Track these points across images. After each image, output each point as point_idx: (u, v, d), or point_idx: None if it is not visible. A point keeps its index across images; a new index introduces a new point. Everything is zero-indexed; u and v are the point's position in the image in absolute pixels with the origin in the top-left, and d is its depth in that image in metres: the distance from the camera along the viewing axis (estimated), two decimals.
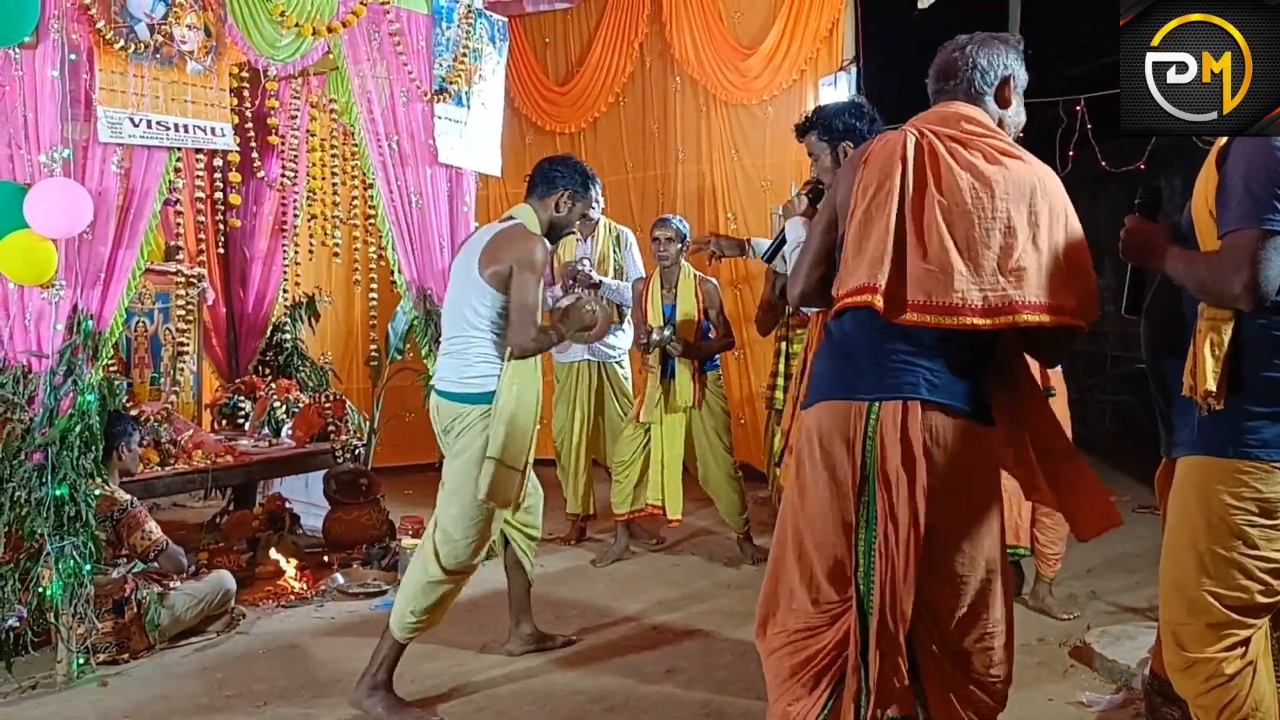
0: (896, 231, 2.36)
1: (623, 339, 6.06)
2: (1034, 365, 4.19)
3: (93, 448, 4.03)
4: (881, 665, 2.36)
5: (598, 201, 5.74)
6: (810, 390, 2.57)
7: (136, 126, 4.19)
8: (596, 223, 5.92)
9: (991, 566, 2.45)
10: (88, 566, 3.98)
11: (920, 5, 6.46)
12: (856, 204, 2.44)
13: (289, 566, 5.22)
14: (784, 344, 5.22)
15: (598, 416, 6.08)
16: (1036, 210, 2.34)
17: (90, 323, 4.04)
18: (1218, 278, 2.23)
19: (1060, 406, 4.61)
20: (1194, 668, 2.40)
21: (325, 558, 5.64)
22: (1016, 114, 2.57)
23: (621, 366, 6.11)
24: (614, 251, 5.95)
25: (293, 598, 5.02)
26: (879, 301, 2.33)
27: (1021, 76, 2.55)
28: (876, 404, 2.40)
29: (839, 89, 6.97)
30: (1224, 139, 2.29)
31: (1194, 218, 2.37)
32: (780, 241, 3.67)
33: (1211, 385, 2.28)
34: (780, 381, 5.21)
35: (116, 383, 5.02)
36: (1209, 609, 2.36)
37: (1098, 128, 7.11)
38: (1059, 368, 4.63)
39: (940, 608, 2.42)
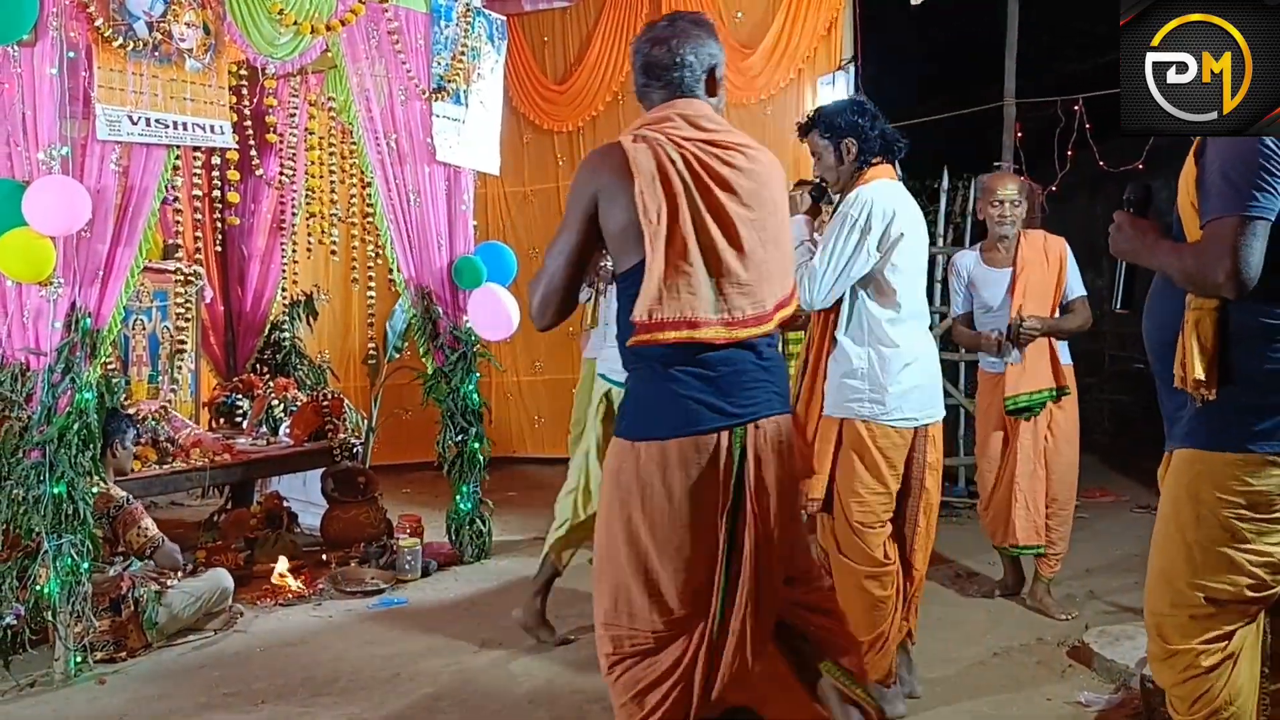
0: (702, 248, 2.33)
1: None
2: (1050, 364, 4.31)
3: (90, 446, 4.02)
4: (733, 661, 2.35)
5: None
6: (641, 423, 2.38)
7: (135, 124, 4.18)
8: None
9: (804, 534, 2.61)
10: (85, 565, 3.97)
11: (913, 2, 6.46)
12: (652, 225, 2.30)
13: (281, 566, 5.20)
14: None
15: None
16: (781, 204, 2.48)
17: (88, 321, 4.04)
18: (1201, 267, 2.21)
19: (1071, 405, 4.64)
20: (1173, 658, 2.39)
21: (323, 556, 5.64)
22: (722, 100, 2.57)
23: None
24: None
25: (290, 596, 5.01)
26: (709, 334, 2.32)
27: (721, 63, 2.54)
28: (741, 429, 2.34)
29: (837, 88, 6.98)
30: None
31: (1180, 213, 2.36)
32: None
33: (1200, 374, 2.26)
34: None
35: (114, 381, 5.02)
36: (1193, 602, 2.34)
37: (1096, 128, 7.12)
38: (1070, 364, 4.68)
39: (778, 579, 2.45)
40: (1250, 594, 2.31)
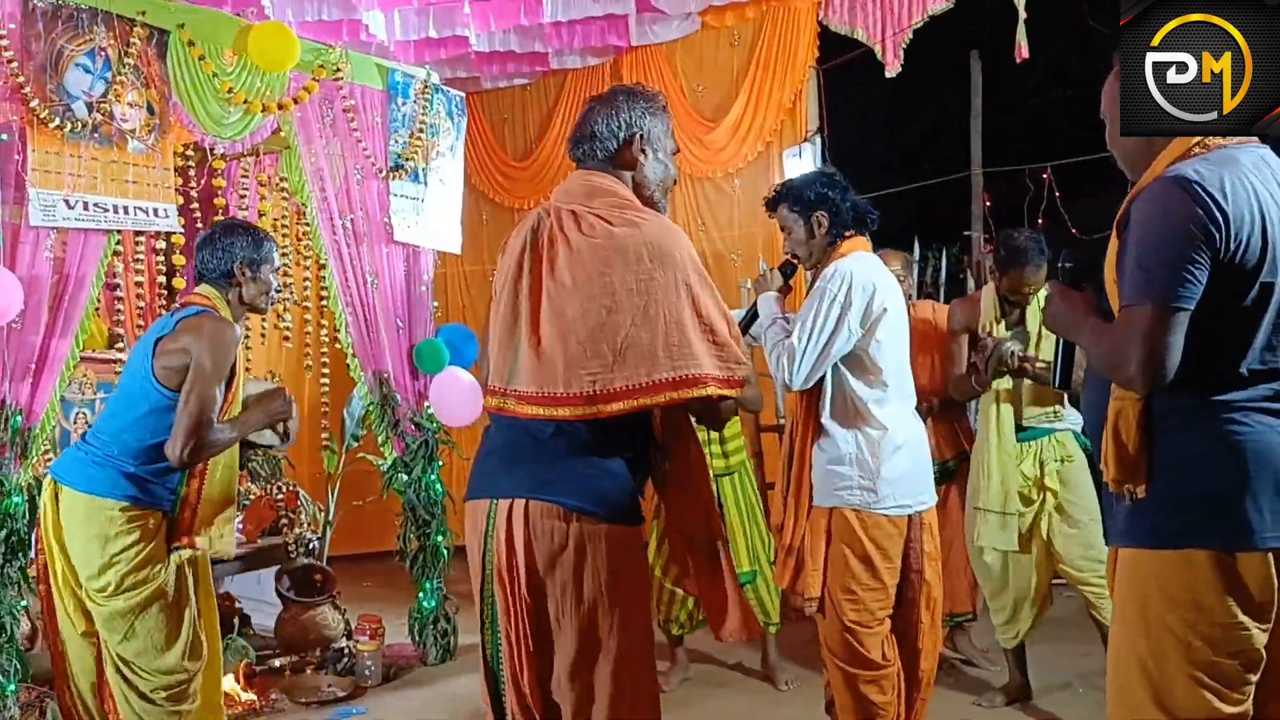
0: (513, 322, 2.34)
1: None
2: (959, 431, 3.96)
3: (19, 555, 3.73)
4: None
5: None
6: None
7: (72, 209, 3.94)
8: None
9: (621, 678, 2.32)
10: (11, 686, 3.65)
11: (888, 73, 6.41)
12: (495, 293, 2.42)
13: (229, 683, 4.85)
14: None
15: None
16: (647, 278, 2.26)
17: (19, 418, 3.76)
18: (1113, 356, 2.05)
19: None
20: None
21: (276, 662, 5.30)
22: (654, 170, 2.50)
23: None
24: None
25: (241, 709, 4.67)
26: (494, 403, 2.35)
27: (656, 129, 2.49)
28: (495, 503, 2.35)
29: (804, 160, 6.89)
30: (1128, 199, 2.13)
31: (1106, 288, 2.17)
32: (752, 316, 3.49)
33: (1119, 474, 2.08)
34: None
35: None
36: None
37: (1066, 195, 7.08)
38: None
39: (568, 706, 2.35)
40: (1224, 708, 2.00)
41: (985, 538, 4.22)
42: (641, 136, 2.47)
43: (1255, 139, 2.13)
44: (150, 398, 3.11)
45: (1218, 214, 1.96)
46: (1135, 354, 1.98)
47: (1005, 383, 4.15)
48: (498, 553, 2.32)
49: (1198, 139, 2.09)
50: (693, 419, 2.48)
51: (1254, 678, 2.02)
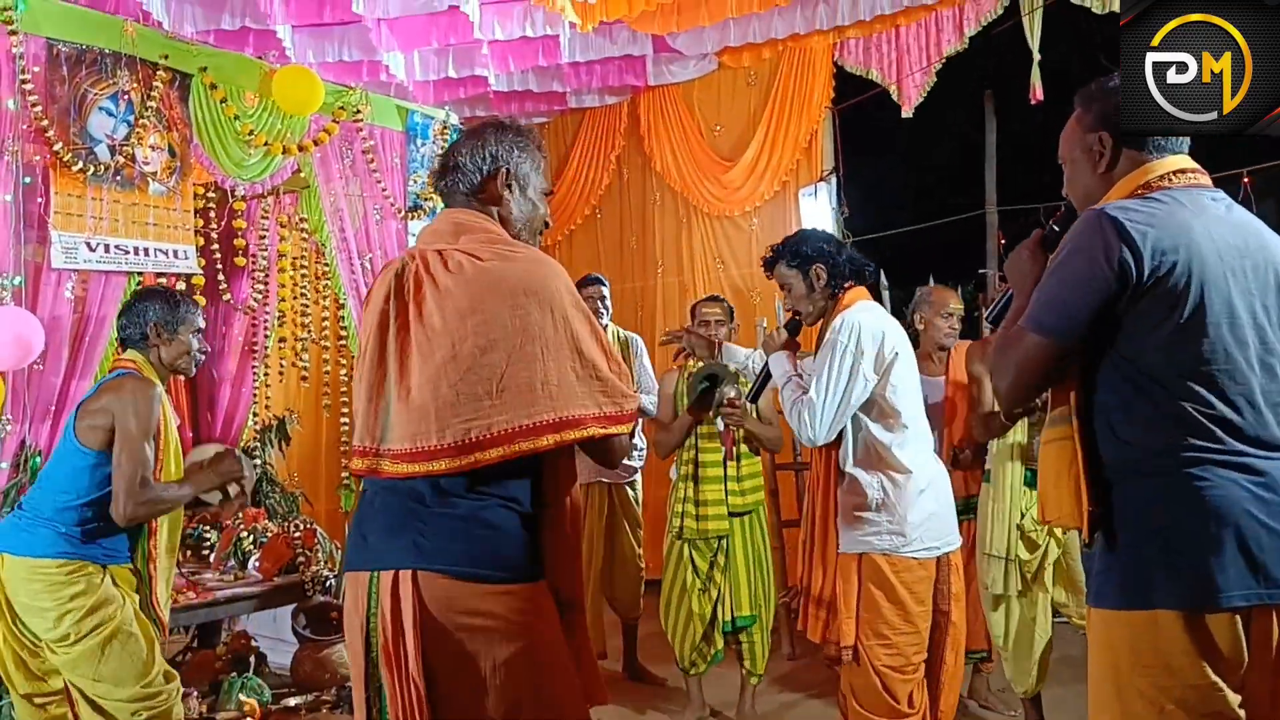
0: (381, 376, 2.11)
1: (636, 457, 5.45)
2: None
3: None
4: None
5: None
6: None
7: (94, 251, 3.99)
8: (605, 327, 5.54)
9: None
10: None
11: (904, 113, 6.44)
12: (360, 349, 2.21)
13: (248, 706, 4.86)
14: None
15: (608, 548, 5.36)
16: (523, 313, 2.07)
17: (38, 460, 3.79)
18: (998, 363, 2.09)
19: None
20: None
21: (292, 701, 5.29)
22: (520, 208, 2.31)
23: (633, 489, 5.46)
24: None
25: None
26: (364, 465, 2.10)
27: (524, 166, 2.31)
28: (376, 575, 2.08)
29: (819, 200, 6.90)
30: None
31: None
32: (766, 377, 3.51)
33: (1058, 516, 2.07)
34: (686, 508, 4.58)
35: None
36: None
37: None
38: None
39: None
40: None
41: (997, 583, 4.21)
42: (507, 171, 2.28)
43: (1208, 183, 2.10)
44: (71, 459, 3.17)
45: (1134, 247, 1.93)
46: (1009, 373, 2.06)
47: (1018, 435, 4.14)
48: (383, 631, 2.05)
49: (1144, 182, 2.07)
50: (576, 463, 2.24)
51: None
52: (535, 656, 2.08)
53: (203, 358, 3.54)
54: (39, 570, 3.12)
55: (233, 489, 3.47)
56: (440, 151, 5.41)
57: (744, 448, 4.48)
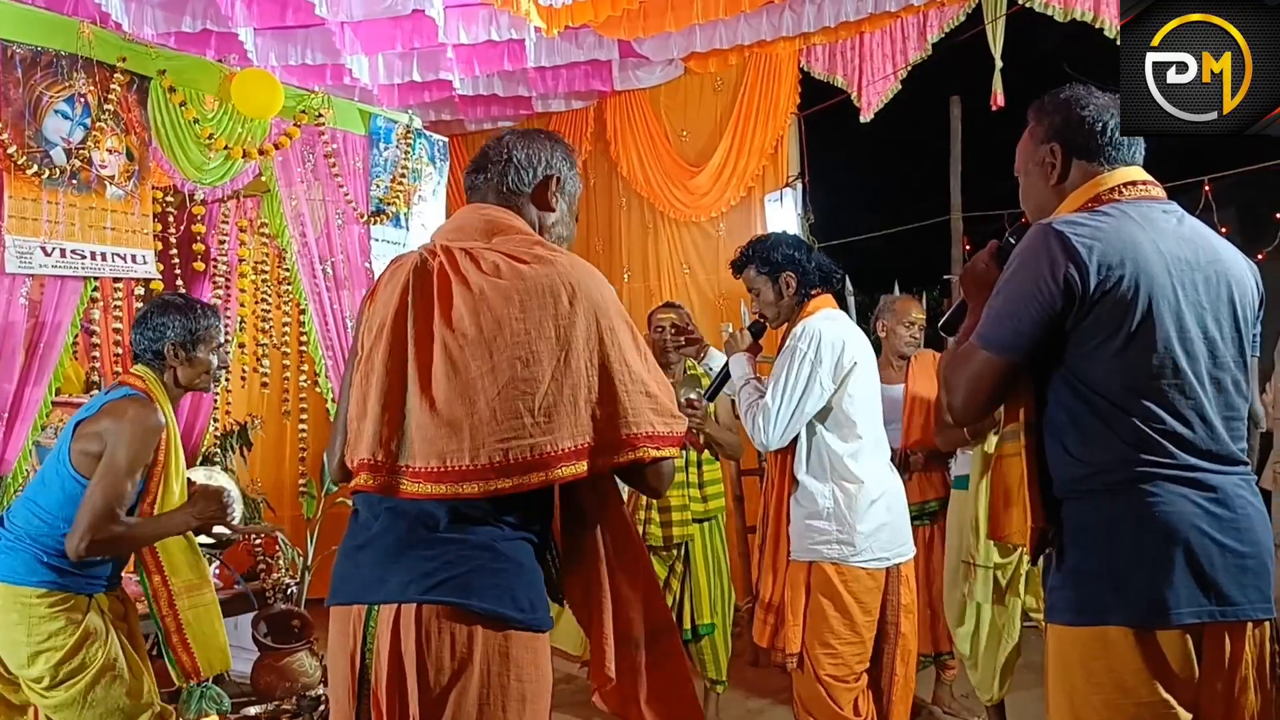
0: (398, 382, 1.89)
1: None
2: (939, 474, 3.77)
3: None
4: None
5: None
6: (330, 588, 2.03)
7: (49, 255, 3.93)
8: None
9: None
10: None
11: (863, 118, 6.46)
12: (361, 348, 1.99)
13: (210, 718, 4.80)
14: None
15: None
16: (567, 324, 1.87)
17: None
18: (949, 377, 2.09)
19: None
20: None
21: (252, 710, 5.23)
22: (561, 224, 2.16)
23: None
24: None
25: None
26: (372, 481, 1.87)
27: (572, 183, 2.18)
28: (375, 609, 1.87)
29: (785, 205, 6.91)
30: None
31: None
32: (724, 378, 3.51)
33: (1008, 531, 2.06)
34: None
35: None
36: None
37: None
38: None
39: None
40: None
41: (975, 591, 4.19)
42: (559, 180, 2.14)
43: (1161, 195, 2.09)
44: (65, 484, 2.90)
45: (1079, 261, 1.92)
46: (961, 388, 2.05)
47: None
48: (377, 672, 1.85)
49: (1094, 195, 2.07)
50: (620, 486, 2.06)
51: None
52: (534, 714, 1.91)
53: (222, 374, 3.28)
54: (18, 598, 2.87)
55: (220, 529, 3.22)
56: (403, 156, 5.39)
57: (706, 454, 4.47)
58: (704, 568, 4.53)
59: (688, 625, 4.49)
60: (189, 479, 3.27)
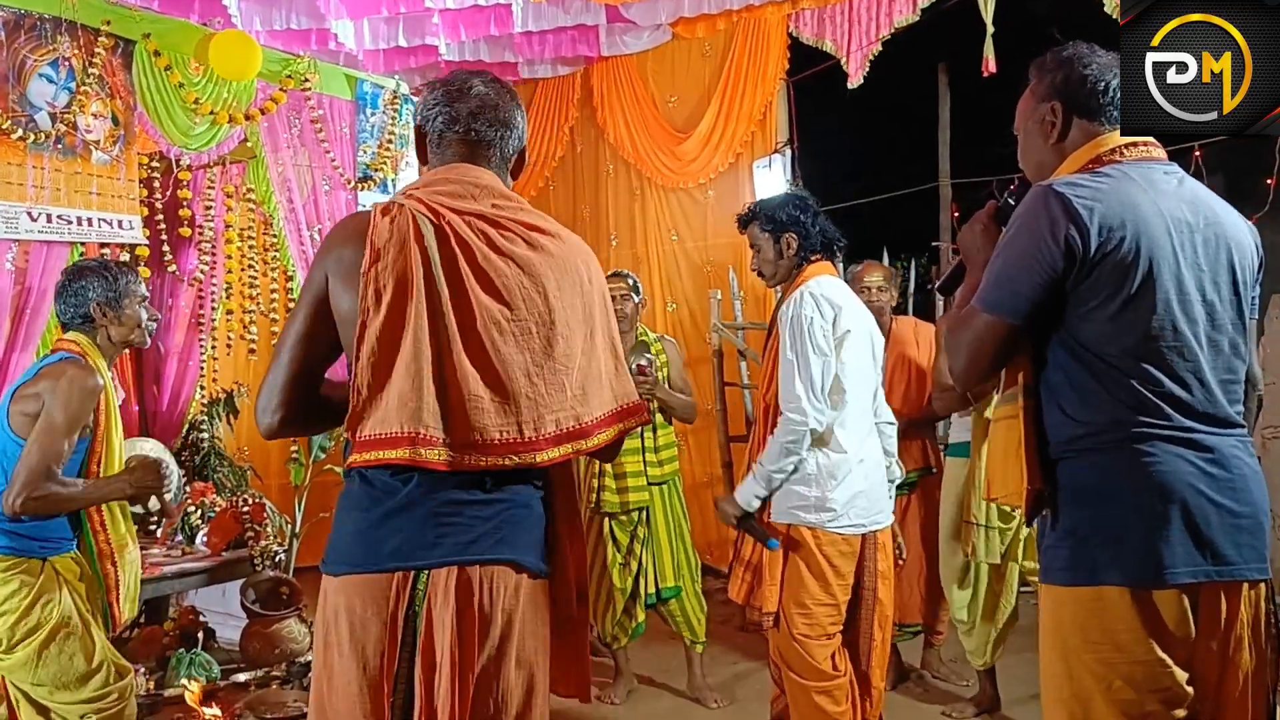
0: (434, 351, 1.88)
1: None
2: (920, 445, 3.76)
3: None
4: None
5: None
6: (333, 553, 2.01)
7: (35, 221, 3.91)
8: None
9: None
10: None
11: (850, 84, 6.42)
12: (370, 314, 1.89)
13: (192, 687, 4.80)
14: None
15: None
16: (589, 300, 2.02)
17: None
18: (950, 343, 2.09)
19: (937, 483, 4.56)
20: None
21: (241, 677, 5.25)
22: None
23: None
24: None
25: None
26: (427, 455, 1.86)
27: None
28: (425, 573, 1.90)
29: (773, 171, 6.88)
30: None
31: None
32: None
33: (1003, 493, 2.06)
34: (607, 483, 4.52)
35: None
36: None
37: None
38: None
39: None
40: None
41: (979, 551, 4.20)
42: (525, 152, 2.18)
43: (1161, 156, 2.09)
44: (5, 447, 2.93)
45: (1080, 223, 1.91)
46: (963, 353, 2.05)
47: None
48: (434, 632, 1.89)
49: (1095, 155, 2.06)
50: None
51: (1182, 713, 1.93)
52: (545, 649, 2.05)
53: (155, 325, 3.33)
54: None
55: (153, 502, 3.25)
56: (390, 122, 5.35)
57: (659, 418, 4.49)
58: (665, 531, 4.57)
59: (651, 589, 4.53)
60: (143, 453, 3.30)
